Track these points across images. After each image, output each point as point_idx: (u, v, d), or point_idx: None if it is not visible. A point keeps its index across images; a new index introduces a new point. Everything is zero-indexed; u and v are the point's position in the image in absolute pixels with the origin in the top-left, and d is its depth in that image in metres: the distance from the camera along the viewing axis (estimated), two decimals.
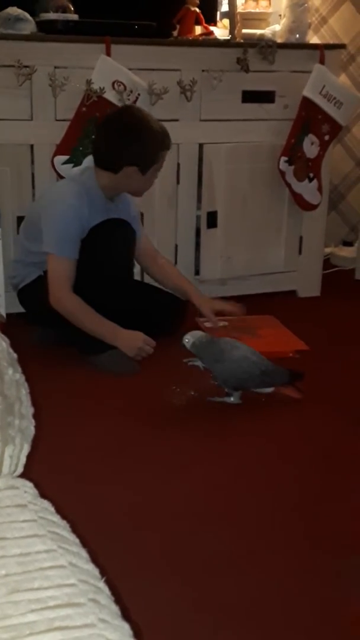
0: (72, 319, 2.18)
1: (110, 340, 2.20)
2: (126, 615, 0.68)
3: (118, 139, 2.20)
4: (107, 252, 2.25)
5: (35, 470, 0.96)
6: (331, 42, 3.19)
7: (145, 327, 2.28)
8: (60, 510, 0.83)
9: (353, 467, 1.77)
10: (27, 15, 2.45)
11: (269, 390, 2.06)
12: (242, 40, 2.74)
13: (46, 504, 0.84)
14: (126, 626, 0.66)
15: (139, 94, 2.46)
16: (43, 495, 0.86)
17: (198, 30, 2.88)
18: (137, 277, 2.59)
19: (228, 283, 2.84)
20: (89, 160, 2.45)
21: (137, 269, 2.55)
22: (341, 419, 2.00)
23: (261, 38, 2.72)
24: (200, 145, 2.66)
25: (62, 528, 0.80)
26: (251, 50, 2.60)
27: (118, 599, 0.71)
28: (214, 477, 1.71)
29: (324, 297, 2.99)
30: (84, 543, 0.78)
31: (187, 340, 2.01)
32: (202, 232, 2.63)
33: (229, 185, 2.68)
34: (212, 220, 2.63)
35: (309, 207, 2.83)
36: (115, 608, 0.68)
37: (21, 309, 2.42)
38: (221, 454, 1.81)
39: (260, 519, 1.56)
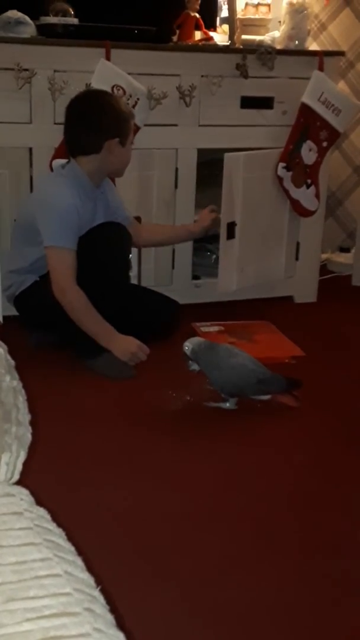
0: (73, 313, 2.18)
1: (104, 343, 2.21)
2: (121, 625, 0.68)
3: (89, 117, 2.22)
4: (104, 255, 2.26)
5: (31, 478, 0.97)
6: (330, 49, 3.20)
7: (139, 332, 2.28)
8: (56, 518, 0.83)
9: (349, 473, 1.78)
10: (27, 18, 2.46)
11: (266, 397, 2.06)
12: (241, 46, 2.75)
13: (42, 511, 0.84)
14: (121, 635, 0.66)
15: (138, 99, 2.47)
16: (39, 502, 0.86)
17: (198, 35, 2.89)
18: (133, 280, 2.60)
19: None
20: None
21: (133, 272, 2.56)
22: (336, 425, 2.00)
23: (260, 44, 2.73)
24: (200, 151, 2.66)
25: (58, 536, 0.80)
26: (250, 56, 2.61)
27: (113, 608, 0.71)
28: (210, 483, 1.71)
29: (321, 303, 2.99)
30: (80, 551, 0.78)
31: (187, 346, 2.01)
32: (221, 244, 2.61)
33: (244, 194, 2.63)
34: (231, 231, 2.60)
35: (306, 213, 2.84)
36: (110, 617, 0.69)
37: (14, 313, 2.42)
38: (217, 460, 1.82)
39: (255, 525, 1.56)
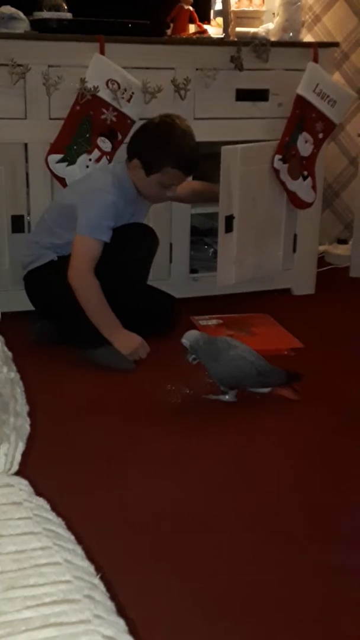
0: (84, 299, 2.19)
1: (107, 334, 2.21)
2: (121, 612, 0.69)
3: (144, 133, 2.30)
4: (128, 256, 2.30)
5: (30, 468, 0.97)
6: (325, 40, 3.20)
7: (140, 327, 2.28)
8: (55, 508, 0.84)
9: (349, 464, 1.78)
10: (21, 14, 2.45)
11: (266, 390, 2.06)
12: (235, 39, 2.74)
13: (41, 501, 0.84)
14: (121, 622, 0.66)
15: (133, 93, 2.47)
16: (38, 492, 0.86)
17: (192, 28, 2.88)
18: None
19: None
20: (82, 159, 2.45)
21: None
22: (335, 416, 2.00)
23: (255, 36, 2.72)
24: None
25: (58, 525, 0.80)
26: (245, 48, 2.60)
27: (113, 596, 0.71)
28: (209, 475, 1.72)
29: (318, 295, 2.99)
30: (79, 540, 0.78)
31: (185, 340, 2.01)
32: (220, 238, 2.60)
33: (242, 187, 2.62)
34: (229, 224, 2.60)
35: (303, 205, 2.84)
36: (110, 604, 0.69)
37: (17, 308, 2.42)
38: (216, 452, 1.82)
39: (255, 516, 1.56)
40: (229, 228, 2.59)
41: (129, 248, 2.29)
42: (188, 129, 2.31)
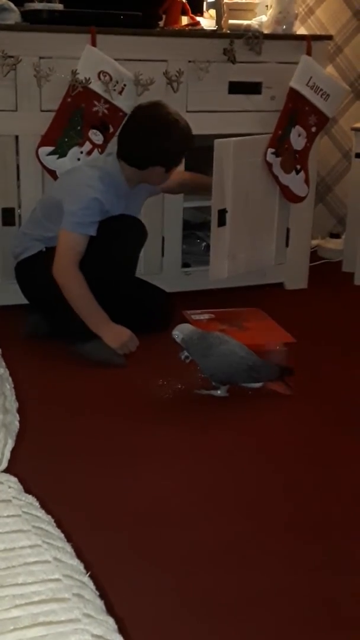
0: (68, 294, 2.18)
1: (96, 329, 2.20)
2: (111, 610, 0.68)
3: (148, 138, 2.23)
4: (116, 248, 2.28)
5: (19, 466, 0.96)
6: (318, 33, 3.19)
7: (132, 324, 2.28)
8: (44, 506, 0.83)
9: (340, 459, 1.78)
10: (12, 5, 2.43)
11: (258, 385, 2.06)
12: (228, 31, 2.72)
13: (31, 499, 0.84)
14: (111, 621, 0.66)
15: (124, 85, 2.45)
16: (27, 490, 0.85)
17: (184, 20, 2.86)
18: None
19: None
20: (74, 152, 2.43)
21: None
22: (327, 411, 2.00)
23: (248, 29, 2.70)
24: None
25: (47, 523, 0.79)
26: (238, 41, 2.59)
27: (103, 594, 0.71)
28: (200, 470, 1.71)
29: (311, 289, 2.99)
30: (69, 538, 0.78)
31: (176, 334, 2.00)
32: (213, 231, 2.59)
33: (235, 181, 2.61)
34: (222, 218, 2.58)
35: (296, 199, 2.83)
36: (99, 603, 0.68)
37: (8, 302, 2.40)
38: (208, 447, 1.81)
39: (248, 511, 1.56)
40: (221, 222, 2.58)
41: (116, 240, 2.28)
42: (176, 114, 2.28)
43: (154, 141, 2.22)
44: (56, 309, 2.23)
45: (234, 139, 2.57)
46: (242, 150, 2.61)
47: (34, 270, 2.30)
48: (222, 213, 2.58)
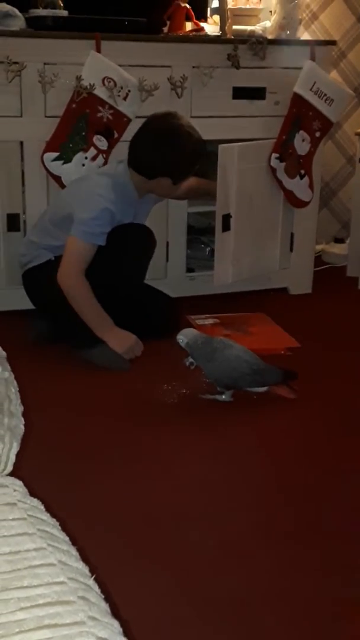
0: (73, 300, 2.18)
1: (101, 334, 2.20)
2: (116, 613, 0.68)
3: (159, 148, 2.23)
4: (126, 256, 2.28)
5: (24, 469, 0.96)
6: (322, 38, 3.19)
7: (137, 329, 2.28)
8: (49, 509, 0.83)
9: (345, 463, 1.77)
10: (17, 11, 2.44)
11: (263, 389, 2.06)
12: (232, 37, 2.73)
13: (36, 502, 0.83)
14: (116, 624, 0.66)
15: (129, 91, 2.46)
16: (32, 493, 0.85)
17: (188, 26, 2.87)
18: None
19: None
20: (78, 158, 2.44)
21: None
22: (332, 416, 2.00)
23: (252, 34, 2.71)
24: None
25: (52, 526, 0.79)
26: (242, 46, 2.59)
27: (108, 597, 0.71)
28: (205, 475, 1.71)
29: (316, 294, 2.99)
30: (74, 541, 0.78)
31: (181, 338, 2.00)
32: (217, 237, 2.59)
33: (239, 186, 2.61)
34: (226, 223, 2.58)
35: (300, 204, 2.83)
36: (105, 606, 0.68)
37: (12, 307, 2.41)
38: (212, 451, 1.81)
39: (252, 515, 1.56)
40: (226, 227, 2.58)
41: (126, 249, 2.28)
42: (190, 127, 2.28)
43: (165, 151, 2.23)
44: (62, 315, 2.23)
45: (238, 144, 2.58)
46: (246, 156, 2.61)
47: (43, 279, 2.29)
48: (226, 218, 2.58)
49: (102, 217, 2.20)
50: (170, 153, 2.23)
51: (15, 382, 1.02)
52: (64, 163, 2.44)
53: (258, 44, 2.61)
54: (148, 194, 2.38)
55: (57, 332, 2.34)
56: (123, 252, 2.28)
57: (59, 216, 2.28)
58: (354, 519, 1.55)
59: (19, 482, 0.87)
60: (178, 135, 2.24)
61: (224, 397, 2.04)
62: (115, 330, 2.23)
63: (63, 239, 2.24)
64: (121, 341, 2.22)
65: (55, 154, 2.44)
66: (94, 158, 2.47)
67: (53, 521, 0.81)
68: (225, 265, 2.64)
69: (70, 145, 2.44)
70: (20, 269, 2.38)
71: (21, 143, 2.46)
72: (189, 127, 2.28)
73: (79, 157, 2.45)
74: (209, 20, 2.99)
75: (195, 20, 2.88)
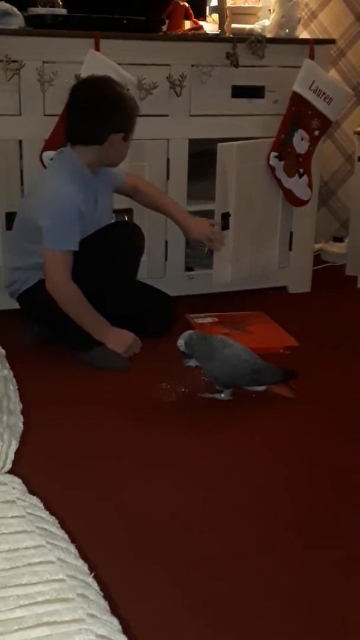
0: (66, 306, 2.17)
1: (99, 336, 2.20)
2: (115, 611, 0.68)
3: (98, 108, 2.17)
4: (116, 255, 2.27)
5: (23, 467, 0.96)
6: (321, 37, 3.19)
7: (136, 328, 2.28)
8: (48, 506, 0.83)
9: (344, 462, 1.77)
10: (15, 9, 2.43)
11: (262, 388, 2.05)
12: (231, 35, 2.73)
13: (35, 500, 0.84)
14: (115, 621, 0.66)
15: (128, 89, 2.45)
16: (31, 491, 0.85)
17: (187, 25, 2.87)
18: None
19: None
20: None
21: None
22: (331, 414, 2.00)
23: (250, 33, 2.71)
24: (191, 141, 2.65)
25: (51, 524, 0.79)
26: (240, 45, 2.59)
27: (107, 594, 0.71)
28: (204, 473, 1.71)
29: (315, 293, 2.99)
30: (73, 538, 0.78)
31: (180, 342, 1.99)
32: None
33: (238, 185, 2.60)
34: (226, 222, 2.57)
35: (299, 202, 2.83)
36: (104, 603, 0.68)
37: (11, 306, 2.40)
38: (212, 449, 1.81)
39: (250, 513, 1.56)
40: (225, 225, 2.58)
41: (113, 247, 2.26)
42: (107, 77, 2.24)
43: (104, 106, 2.17)
44: (59, 327, 2.22)
45: (237, 142, 2.57)
46: (245, 154, 2.61)
47: (39, 298, 2.22)
48: (225, 216, 2.58)
49: (66, 219, 2.14)
50: (111, 105, 2.16)
51: (14, 380, 1.02)
52: None
53: (257, 42, 2.61)
54: (103, 177, 2.30)
55: (56, 337, 2.33)
56: (111, 252, 2.26)
57: (30, 230, 2.21)
58: (354, 518, 1.55)
59: (18, 480, 0.87)
60: (109, 87, 2.19)
61: (223, 395, 2.04)
62: (112, 330, 2.23)
63: (40, 250, 2.18)
64: (120, 340, 2.22)
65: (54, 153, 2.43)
66: None
67: (52, 519, 0.81)
68: (224, 264, 2.64)
69: None
70: (11, 297, 2.33)
71: (20, 142, 2.46)
72: (116, 81, 2.24)
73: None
74: (208, 18, 2.99)
75: (194, 19, 2.87)
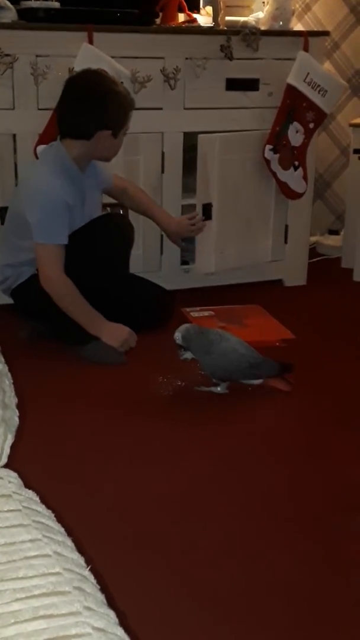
0: (60, 301, 2.17)
1: (94, 330, 2.20)
2: (112, 603, 0.68)
3: (87, 103, 2.16)
4: (106, 246, 2.26)
5: (19, 461, 0.96)
6: (315, 29, 3.18)
7: (132, 322, 2.28)
8: (44, 500, 0.83)
9: (342, 454, 1.78)
10: (8, 3, 2.42)
11: (258, 382, 2.06)
12: (225, 28, 2.72)
13: (31, 493, 0.83)
14: (112, 614, 0.66)
15: (122, 82, 2.44)
16: (27, 485, 0.85)
17: (181, 17, 2.86)
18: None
19: (215, 273, 2.83)
20: None
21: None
22: (328, 406, 2.00)
23: (244, 25, 2.71)
24: (186, 135, 2.65)
25: (47, 517, 0.79)
26: (235, 37, 2.59)
27: (103, 587, 0.71)
28: (201, 466, 1.71)
29: (310, 286, 2.99)
30: (69, 532, 0.77)
31: (177, 335, 1.99)
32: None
33: (222, 176, 2.62)
34: (207, 212, 2.59)
35: (294, 195, 2.83)
36: (100, 596, 0.68)
37: (6, 301, 2.40)
38: (208, 443, 1.81)
39: (247, 506, 1.56)
40: (207, 216, 2.60)
41: (103, 238, 2.25)
42: (103, 72, 2.23)
43: (94, 102, 2.15)
44: (55, 322, 2.22)
45: (219, 134, 2.58)
46: (229, 146, 2.62)
47: (32, 293, 2.23)
48: (207, 207, 2.59)
49: (53, 212, 2.14)
50: (100, 101, 2.15)
51: (9, 374, 1.01)
52: None
53: (251, 35, 2.60)
54: (92, 174, 2.30)
55: (51, 332, 2.32)
56: (99, 241, 2.25)
57: (20, 225, 2.20)
58: (353, 509, 1.56)
59: (14, 474, 0.87)
60: (102, 83, 2.18)
61: (219, 389, 2.04)
62: (107, 324, 2.22)
63: (31, 245, 2.18)
64: (115, 335, 2.22)
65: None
66: None
67: (48, 512, 0.81)
68: (208, 255, 2.66)
69: None
70: (4, 293, 2.33)
71: (14, 136, 2.45)
72: (112, 77, 2.23)
73: None
74: (202, 11, 2.98)
75: (187, 12, 2.87)
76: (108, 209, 2.54)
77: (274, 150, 2.71)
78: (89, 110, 2.16)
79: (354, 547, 1.44)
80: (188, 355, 2.02)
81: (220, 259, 2.68)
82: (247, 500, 1.58)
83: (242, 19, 2.80)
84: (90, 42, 2.41)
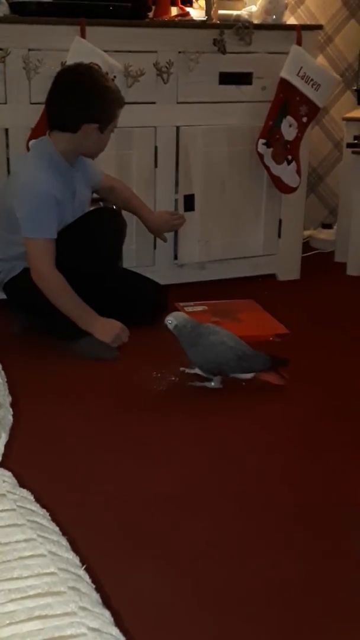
0: (52, 296, 2.16)
1: (86, 325, 2.19)
2: (107, 603, 0.68)
3: (75, 94, 2.15)
4: (98, 240, 2.25)
5: (13, 459, 0.96)
6: (308, 23, 3.18)
7: (125, 317, 2.27)
8: (39, 499, 0.82)
9: (336, 448, 1.78)
10: None
11: (249, 376, 2.05)
12: (218, 21, 2.71)
13: (25, 492, 0.83)
14: (107, 614, 0.66)
15: (114, 76, 2.43)
16: (22, 484, 0.85)
17: (174, 11, 2.85)
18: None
19: (207, 267, 2.83)
20: None
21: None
22: (322, 401, 2.01)
23: (237, 19, 2.69)
24: (177, 128, 2.64)
25: (42, 517, 0.79)
26: (228, 31, 2.58)
27: (99, 587, 0.70)
28: (195, 461, 1.71)
29: (304, 280, 2.99)
30: (64, 531, 0.77)
31: (169, 321, 1.99)
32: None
33: (206, 168, 2.65)
34: (189, 203, 2.61)
35: (287, 189, 2.83)
36: (96, 596, 0.68)
37: None
38: (203, 438, 1.81)
39: (241, 502, 1.56)
40: (188, 207, 2.61)
41: (94, 232, 2.25)
42: (94, 68, 2.23)
43: (81, 94, 2.14)
44: (48, 315, 2.21)
45: (201, 127, 2.61)
46: (213, 139, 2.64)
47: (24, 286, 2.22)
48: (188, 198, 2.60)
49: (40, 206, 2.13)
50: (88, 93, 2.14)
51: (2, 372, 1.01)
52: None
53: (244, 28, 2.59)
54: (81, 168, 2.30)
55: (43, 328, 2.32)
56: (92, 237, 2.25)
57: (10, 219, 2.19)
58: (349, 502, 1.56)
59: (8, 473, 0.87)
60: (91, 75, 2.18)
61: (213, 384, 2.04)
62: (99, 320, 2.22)
63: (22, 239, 2.18)
64: (107, 330, 2.21)
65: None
66: None
67: (43, 512, 0.80)
68: (191, 244, 2.70)
69: None
70: None
71: (6, 130, 2.44)
72: (103, 73, 2.23)
73: None
74: (195, 4, 2.96)
75: (180, 5, 2.85)
76: (101, 203, 2.53)
77: (267, 144, 2.71)
78: (76, 102, 2.16)
79: (354, 542, 1.44)
80: (192, 370, 2.04)
81: (205, 249, 2.71)
82: (244, 495, 1.58)
83: (235, 12, 2.79)
84: (83, 36, 2.39)
